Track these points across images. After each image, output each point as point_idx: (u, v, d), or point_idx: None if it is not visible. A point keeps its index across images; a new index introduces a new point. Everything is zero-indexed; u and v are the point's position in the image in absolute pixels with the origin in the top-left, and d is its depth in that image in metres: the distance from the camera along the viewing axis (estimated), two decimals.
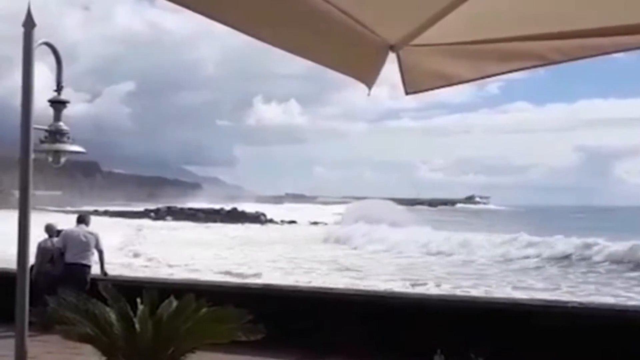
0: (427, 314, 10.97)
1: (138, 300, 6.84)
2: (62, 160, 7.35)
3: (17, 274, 5.73)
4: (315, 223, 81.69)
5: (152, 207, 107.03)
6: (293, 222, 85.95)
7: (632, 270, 32.87)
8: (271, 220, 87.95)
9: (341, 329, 10.92)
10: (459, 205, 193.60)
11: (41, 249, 13.07)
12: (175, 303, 6.89)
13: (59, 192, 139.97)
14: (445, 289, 26.14)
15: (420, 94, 3.76)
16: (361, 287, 21.47)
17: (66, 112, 7.45)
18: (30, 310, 5.80)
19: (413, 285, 27.27)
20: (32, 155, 5.80)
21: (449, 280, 30.22)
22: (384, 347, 10.53)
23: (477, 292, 24.84)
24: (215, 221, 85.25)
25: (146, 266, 34.12)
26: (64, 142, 7.21)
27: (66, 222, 14.60)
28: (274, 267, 34.02)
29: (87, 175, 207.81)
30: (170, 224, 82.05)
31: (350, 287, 21.90)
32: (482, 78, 3.70)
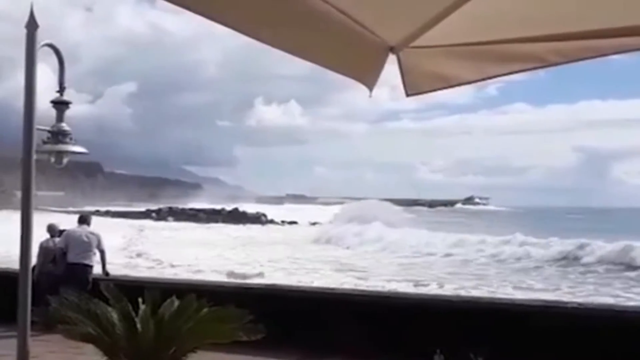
0: (428, 314, 10.97)
1: (140, 300, 6.87)
2: (65, 161, 7.37)
3: (20, 274, 5.75)
4: (315, 224, 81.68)
5: (153, 207, 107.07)
6: (294, 222, 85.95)
7: (625, 270, 32.96)
8: (272, 221, 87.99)
9: (342, 329, 10.94)
10: (458, 206, 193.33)
11: (43, 249, 13.10)
12: (176, 303, 6.91)
13: (61, 193, 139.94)
14: (432, 289, 26.24)
15: (420, 95, 3.78)
16: (363, 287, 21.54)
17: (68, 112, 7.47)
18: (32, 310, 5.82)
19: (416, 285, 27.40)
20: (35, 156, 5.82)
21: (445, 280, 30.24)
22: (385, 347, 10.54)
23: (479, 292, 24.82)
24: (216, 221, 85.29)
25: (152, 267, 34.11)
26: (66, 142, 7.23)
27: (68, 222, 14.61)
28: (276, 268, 34.08)
29: (89, 175, 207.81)
30: (172, 224, 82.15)
31: (354, 287, 21.96)
32: (483, 80, 3.71)
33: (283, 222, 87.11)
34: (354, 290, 16.54)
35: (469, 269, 36.01)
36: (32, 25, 5.59)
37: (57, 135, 7.21)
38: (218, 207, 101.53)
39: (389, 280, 28.91)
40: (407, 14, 3.17)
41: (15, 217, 6.18)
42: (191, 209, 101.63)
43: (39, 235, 11.48)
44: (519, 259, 38.10)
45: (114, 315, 6.71)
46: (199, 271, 30.98)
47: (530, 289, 27.94)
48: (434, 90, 3.73)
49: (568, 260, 36.45)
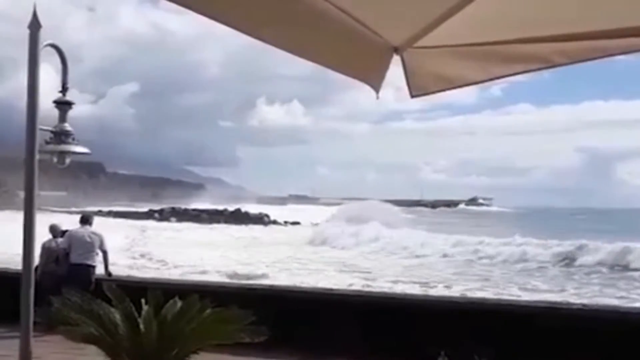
0: (430, 315, 10.96)
1: (142, 300, 6.86)
2: (67, 161, 7.37)
3: (22, 275, 5.75)
4: (318, 224, 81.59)
5: (156, 207, 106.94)
6: (296, 223, 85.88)
7: (628, 271, 32.98)
8: (274, 222, 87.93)
9: (345, 330, 10.93)
10: (460, 206, 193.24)
11: (45, 249, 13.10)
12: (179, 304, 6.90)
13: (63, 193, 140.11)
14: (439, 290, 26.22)
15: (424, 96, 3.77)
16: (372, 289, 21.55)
17: (70, 112, 7.47)
18: (34, 311, 5.82)
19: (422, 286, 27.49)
20: (37, 156, 5.82)
21: (449, 281, 30.27)
22: (387, 349, 10.53)
23: (484, 294, 24.79)
24: (218, 222, 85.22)
25: (157, 268, 34.07)
26: (69, 143, 7.24)
27: (70, 222, 14.60)
28: (280, 269, 34.07)
29: (91, 175, 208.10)
30: (174, 224, 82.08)
31: (361, 288, 22.02)
32: (487, 80, 3.69)
33: (286, 222, 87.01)
34: (355, 291, 16.53)
35: (466, 269, 36.01)
36: (35, 25, 5.59)
37: (60, 135, 7.22)
38: (220, 207, 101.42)
39: (395, 282, 28.96)
40: (411, 14, 3.16)
41: (18, 217, 6.17)
42: (194, 210, 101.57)
43: (41, 235, 11.49)
44: (519, 260, 38.00)
45: (117, 316, 6.70)
46: (204, 272, 30.94)
47: (535, 290, 27.91)
48: (439, 91, 3.72)
49: (571, 261, 36.40)
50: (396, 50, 3.47)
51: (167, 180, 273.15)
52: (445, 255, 41.58)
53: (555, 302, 13.86)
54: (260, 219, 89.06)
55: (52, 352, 9.69)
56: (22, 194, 5.90)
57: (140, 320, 6.68)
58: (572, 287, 28.93)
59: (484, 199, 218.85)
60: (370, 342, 10.71)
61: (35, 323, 5.88)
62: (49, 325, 6.82)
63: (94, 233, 13.37)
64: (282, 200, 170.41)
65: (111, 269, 13.39)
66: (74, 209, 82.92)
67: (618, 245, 36.11)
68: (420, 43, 3.37)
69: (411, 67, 3.57)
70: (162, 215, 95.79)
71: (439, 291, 25.91)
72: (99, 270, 13.15)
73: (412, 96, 3.68)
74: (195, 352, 6.84)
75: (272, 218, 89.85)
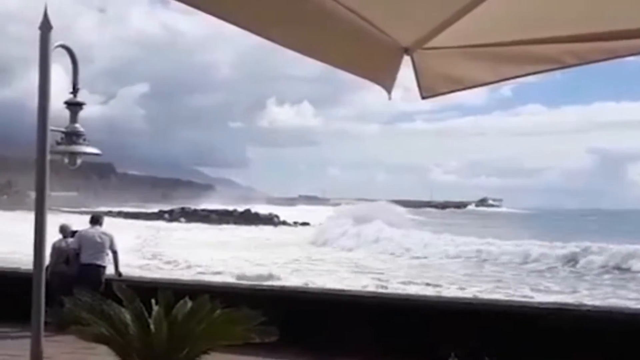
0: (441, 316, 10.94)
1: (153, 301, 6.87)
2: (78, 161, 7.40)
3: (34, 275, 5.77)
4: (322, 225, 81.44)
5: (166, 208, 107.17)
6: (306, 223, 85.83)
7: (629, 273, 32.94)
8: (284, 222, 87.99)
9: (354, 331, 10.92)
10: (470, 207, 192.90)
11: (56, 249, 13.13)
12: (189, 304, 6.92)
13: (73, 193, 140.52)
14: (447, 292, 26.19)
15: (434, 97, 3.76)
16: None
17: (81, 113, 7.50)
18: (45, 311, 5.84)
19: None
20: (49, 157, 5.84)
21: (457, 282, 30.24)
22: (396, 350, 10.52)
23: (490, 295, 24.75)
24: (228, 222, 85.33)
25: (171, 270, 34.10)
26: (80, 143, 7.27)
27: (80, 223, 14.64)
28: (292, 269, 34.11)
29: (101, 176, 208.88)
30: (184, 225, 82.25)
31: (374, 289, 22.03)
32: (498, 81, 3.68)
33: (295, 223, 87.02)
34: (365, 292, 16.52)
35: (473, 270, 35.92)
36: (46, 26, 5.61)
37: (71, 136, 7.25)
38: (230, 208, 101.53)
39: (406, 283, 29.00)
40: (422, 15, 3.15)
41: (29, 217, 6.20)
42: (203, 210, 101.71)
43: (52, 235, 11.54)
44: (525, 261, 37.86)
45: (127, 316, 6.72)
46: (217, 273, 30.96)
47: (548, 291, 27.86)
48: (449, 92, 3.71)
49: (582, 262, 36.23)
50: (406, 51, 3.47)
51: (177, 180, 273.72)
52: (448, 257, 41.46)
53: (563, 303, 13.82)
54: (270, 220, 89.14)
55: (63, 352, 9.72)
56: (33, 195, 5.93)
57: (150, 321, 6.70)
58: (584, 288, 28.89)
59: (493, 200, 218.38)
60: (379, 343, 10.70)
61: (46, 323, 5.90)
62: (59, 325, 6.85)
63: (104, 233, 13.40)
64: (292, 201, 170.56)
65: (123, 270, 13.41)
66: (84, 210, 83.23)
67: (632, 247, 35.92)
68: (430, 44, 3.37)
69: (421, 68, 3.56)
70: (172, 216, 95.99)
71: (443, 291, 25.89)
72: (109, 270, 13.19)
73: (423, 97, 3.67)
74: (205, 352, 6.85)
75: (282, 219, 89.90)
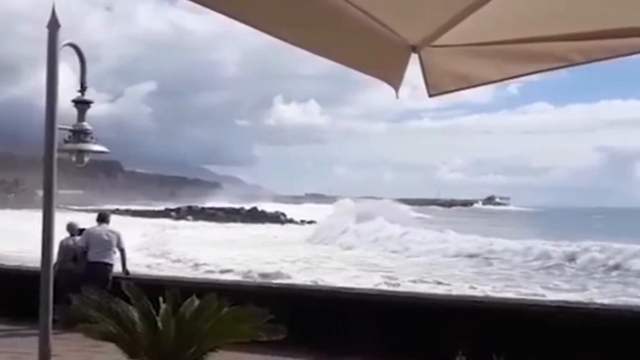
0: (449, 315, 10.93)
1: (160, 299, 6.88)
2: (86, 159, 7.42)
3: (41, 273, 5.78)
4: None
5: (173, 206, 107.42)
6: (313, 222, 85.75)
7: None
8: (291, 220, 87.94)
9: (363, 329, 10.92)
10: (476, 205, 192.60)
11: (63, 247, 13.16)
12: (197, 302, 6.93)
13: (80, 191, 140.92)
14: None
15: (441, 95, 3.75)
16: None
17: (88, 112, 7.52)
18: (53, 309, 5.85)
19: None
20: (56, 155, 5.84)
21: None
22: (405, 348, 10.51)
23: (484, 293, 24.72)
24: (235, 221, 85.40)
25: (180, 269, 33.86)
26: (87, 142, 7.29)
27: (87, 221, 14.68)
28: (300, 268, 34.11)
29: (108, 174, 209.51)
30: (191, 223, 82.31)
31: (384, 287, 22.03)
32: (505, 79, 3.68)
33: (302, 221, 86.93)
34: (373, 290, 16.50)
35: (475, 269, 35.86)
36: (53, 25, 5.62)
37: (79, 134, 7.27)
38: (237, 206, 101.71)
39: (415, 281, 28.99)
40: (429, 13, 3.15)
41: (37, 215, 6.21)
42: (210, 208, 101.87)
43: (59, 233, 11.56)
44: (534, 259, 37.69)
45: (135, 314, 6.74)
46: (226, 271, 30.96)
47: (557, 289, 27.81)
48: (456, 90, 3.70)
49: (589, 260, 36.08)
50: (414, 48, 3.46)
51: (184, 179, 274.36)
52: (455, 255, 41.27)
53: (570, 302, 13.77)
54: (277, 218, 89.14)
55: (71, 350, 9.74)
56: (40, 193, 5.93)
57: (158, 318, 6.71)
58: (593, 286, 28.80)
59: (501, 198, 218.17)
60: (388, 341, 10.69)
61: (54, 321, 5.91)
62: (67, 323, 6.87)
63: (111, 231, 13.43)
64: (298, 199, 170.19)
65: (131, 268, 13.43)
66: (91, 208, 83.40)
67: (633, 247, 35.79)
68: (437, 42, 3.36)
69: (428, 66, 3.56)
70: (179, 214, 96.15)
71: (454, 290, 25.83)
72: (117, 268, 13.21)
73: (430, 95, 3.67)
74: (213, 349, 6.86)
75: (288, 217, 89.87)
